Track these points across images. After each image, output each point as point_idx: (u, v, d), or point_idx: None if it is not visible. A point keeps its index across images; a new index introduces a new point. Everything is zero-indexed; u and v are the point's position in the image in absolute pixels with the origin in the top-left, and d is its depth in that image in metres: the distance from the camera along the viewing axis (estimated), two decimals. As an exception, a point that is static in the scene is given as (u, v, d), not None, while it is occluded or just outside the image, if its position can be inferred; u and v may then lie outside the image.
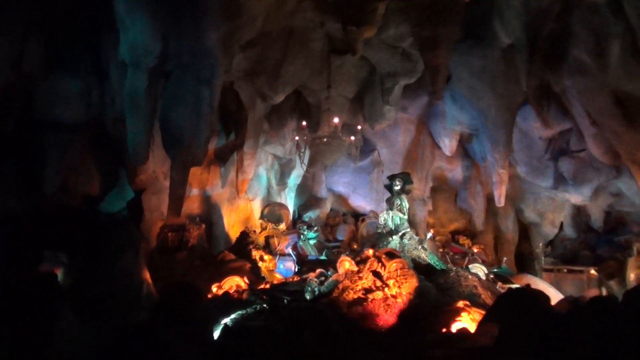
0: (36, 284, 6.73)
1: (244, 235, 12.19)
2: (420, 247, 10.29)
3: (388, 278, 8.10)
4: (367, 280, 8.08)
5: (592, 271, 13.11)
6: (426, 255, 10.14)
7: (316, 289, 8.54)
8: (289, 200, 14.90)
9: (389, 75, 11.49)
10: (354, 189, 15.46)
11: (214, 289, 8.76)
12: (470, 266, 10.08)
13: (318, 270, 9.29)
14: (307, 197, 15.83)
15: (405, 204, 10.76)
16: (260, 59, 11.16)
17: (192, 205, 13.64)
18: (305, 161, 14.67)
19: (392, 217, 10.56)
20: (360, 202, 15.59)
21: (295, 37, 11.13)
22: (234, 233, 13.80)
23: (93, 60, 10.79)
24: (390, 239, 10.41)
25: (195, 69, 9.25)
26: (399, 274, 8.23)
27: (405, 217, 10.69)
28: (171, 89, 9.34)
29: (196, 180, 13.69)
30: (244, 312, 7.17)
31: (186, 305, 6.09)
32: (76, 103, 10.94)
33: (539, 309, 5.24)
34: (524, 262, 16.72)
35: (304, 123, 10.92)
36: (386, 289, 7.85)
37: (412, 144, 15.14)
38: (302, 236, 13.94)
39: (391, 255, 8.72)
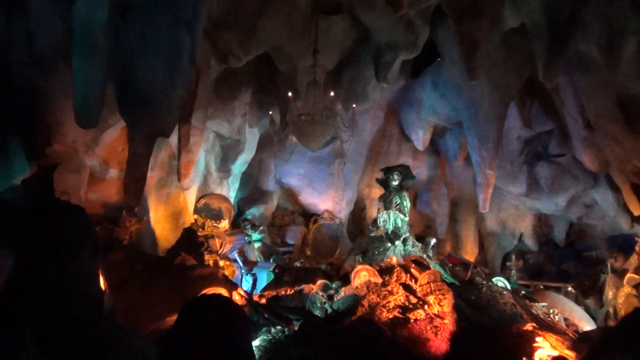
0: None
1: (191, 234, 10.80)
2: (425, 255, 9.86)
3: (425, 294, 7.52)
4: (399, 295, 7.43)
5: (570, 288, 13.74)
6: (433, 266, 9.72)
7: (326, 305, 7.68)
8: (231, 192, 13.64)
9: (389, 47, 10.90)
10: (309, 182, 14.61)
11: (192, 303, 7.47)
12: (494, 279, 9.87)
13: (320, 282, 8.41)
14: (251, 190, 14.65)
15: (407, 203, 10.27)
16: (235, 7, 9.96)
17: (108, 190, 11.87)
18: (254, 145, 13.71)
19: (393, 218, 9.99)
20: (315, 199, 14.79)
21: (280, -15, 10.12)
22: (161, 230, 12.25)
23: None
24: (389, 244, 9.83)
25: (172, 5, 7.86)
26: (433, 288, 7.70)
27: (407, 218, 10.21)
28: (137, 28, 7.81)
29: (116, 158, 11.94)
30: (270, 336, 6.10)
31: (222, 327, 4.93)
32: (-32, 37, 8.84)
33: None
34: (478, 276, 17.19)
35: (290, 94, 9.89)
36: (426, 307, 7.25)
37: (378, 134, 14.75)
38: (246, 237, 12.88)
39: (420, 264, 8.19)
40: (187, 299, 7.93)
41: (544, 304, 9.10)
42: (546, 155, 15.07)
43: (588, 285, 14.44)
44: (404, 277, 7.89)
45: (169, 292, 8.53)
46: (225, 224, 12.66)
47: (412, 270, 7.98)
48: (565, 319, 8.89)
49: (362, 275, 8.12)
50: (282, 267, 10.29)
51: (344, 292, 7.92)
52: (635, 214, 13.27)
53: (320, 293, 7.95)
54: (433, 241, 10.49)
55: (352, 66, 12.08)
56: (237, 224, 13.54)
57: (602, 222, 15.61)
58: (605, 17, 10.95)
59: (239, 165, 13.55)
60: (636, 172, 12.72)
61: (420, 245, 10.23)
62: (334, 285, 8.41)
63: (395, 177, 10.51)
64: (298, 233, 14.18)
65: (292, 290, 8.32)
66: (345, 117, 10.25)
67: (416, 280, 7.89)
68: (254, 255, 12.80)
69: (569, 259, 16.13)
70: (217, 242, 12.27)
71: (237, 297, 7.38)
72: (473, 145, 13.13)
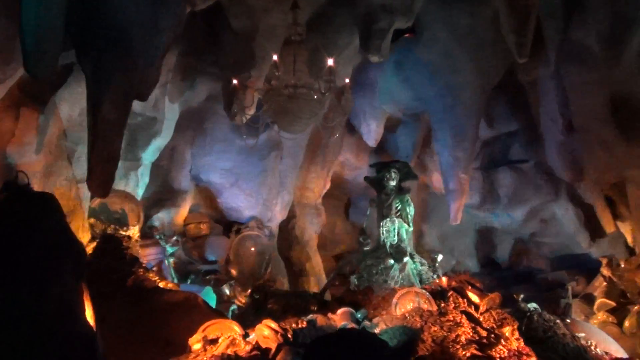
0: None
1: (114, 242, 9.16)
2: (435, 275, 9.43)
3: (496, 325, 7.04)
4: (466, 327, 6.86)
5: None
6: (444, 289, 9.29)
7: (366, 342, 6.83)
8: (139, 189, 11.98)
9: (384, 11, 10.30)
10: (235, 180, 13.29)
11: (196, 345, 6.14)
12: (529, 305, 9.62)
13: (343, 310, 7.51)
14: (158, 188, 12.99)
15: (411, 210, 9.68)
16: None
17: (-24, 177, 9.85)
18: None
19: (398, 228, 9.38)
20: (239, 203, 13.52)
21: None
22: (44, 237, 10.40)
23: None
24: (391, 262, 9.19)
25: None
26: (496, 317, 7.25)
27: (411, 229, 9.66)
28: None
29: (-11, 131, 10.01)
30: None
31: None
32: None
33: None
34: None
35: (275, 57, 8.79)
36: (502, 341, 6.76)
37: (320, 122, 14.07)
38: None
39: (475, 287, 7.71)
40: (178, 336, 6.64)
41: (582, 334, 9.10)
42: (505, 160, 15.52)
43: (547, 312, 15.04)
44: (462, 304, 7.36)
45: (125, 326, 7.09)
46: (135, 231, 11.11)
47: (470, 294, 7.47)
48: (606, 353, 8.93)
49: (407, 302, 7.43)
50: (263, 290, 9.14)
51: (384, 323, 7.13)
52: (608, 230, 14.05)
53: (351, 326, 7.07)
54: (440, 257, 10.03)
55: (321, 32, 11.28)
56: (144, 233, 11.99)
57: (554, 240, 16.39)
58: (611, 3, 11.31)
59: (152, 153, 11.95)
60: (615, 183, 13.36)
61: (426, 262, 9.76)
62: (359, 315, 7.58)
63: (393, 175, 9.86)
64: (222, 247, 12.94)
65: (304, 323, 7.34)
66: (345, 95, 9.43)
67: (476, 307, 7.39)
68: (169, 274, 11.44)
69: (514, 282, 16.71)
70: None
71: (268, 332, 6.22)
72: (444, 143, 13.02)
